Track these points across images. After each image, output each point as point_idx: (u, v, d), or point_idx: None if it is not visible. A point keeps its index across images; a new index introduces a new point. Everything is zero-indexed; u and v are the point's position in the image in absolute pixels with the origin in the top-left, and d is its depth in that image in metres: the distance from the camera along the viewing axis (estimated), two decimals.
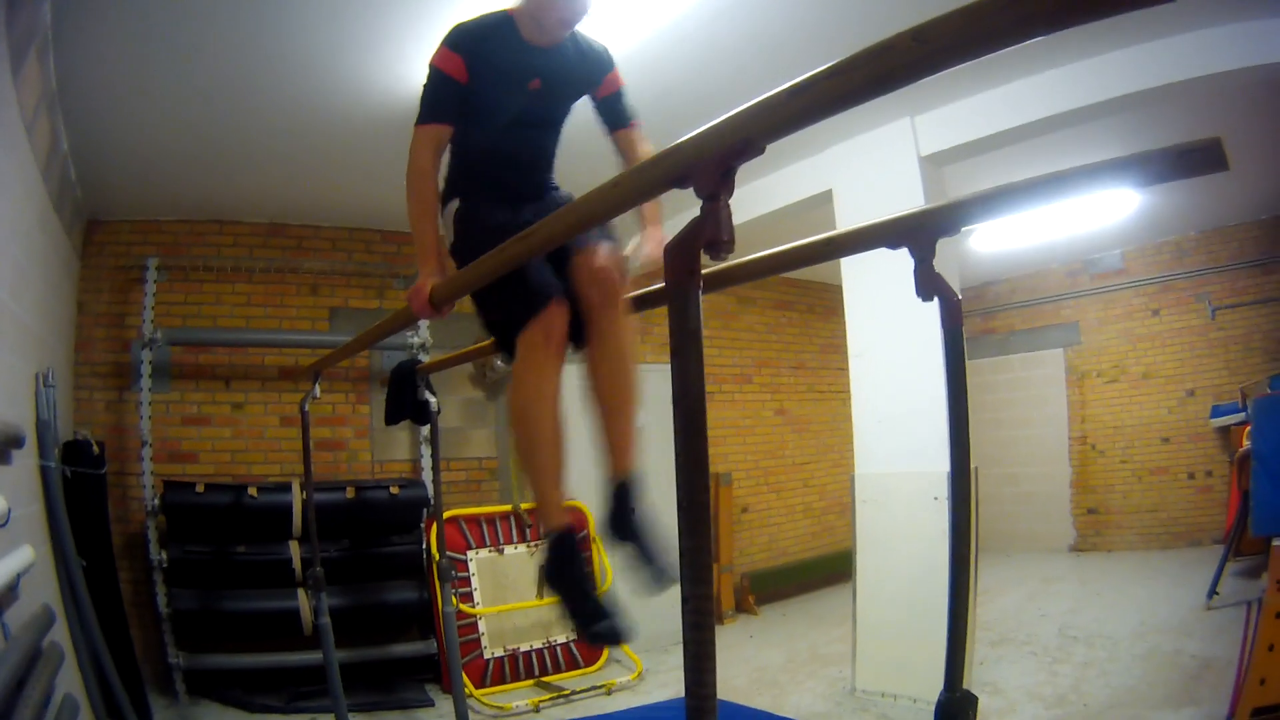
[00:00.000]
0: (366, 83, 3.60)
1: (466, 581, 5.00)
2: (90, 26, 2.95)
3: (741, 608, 6.41)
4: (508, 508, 5.33)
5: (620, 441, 1.99)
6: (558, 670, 5.10)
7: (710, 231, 1.11)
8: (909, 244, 1.57)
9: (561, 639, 5.21)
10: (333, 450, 5.51)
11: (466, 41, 1.98)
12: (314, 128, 4.03)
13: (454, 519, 5.11)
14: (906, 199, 3.86)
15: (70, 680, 3.06)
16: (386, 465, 5.62)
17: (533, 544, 5.22)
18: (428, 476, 5.36)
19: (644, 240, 2.14)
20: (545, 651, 5.13)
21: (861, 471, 4.14)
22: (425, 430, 5.46)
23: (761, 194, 5.03)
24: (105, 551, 4.13)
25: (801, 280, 4.27)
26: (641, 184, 1.35)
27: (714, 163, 1.11)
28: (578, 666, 5.18)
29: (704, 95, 3.60)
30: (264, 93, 3.66)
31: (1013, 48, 0.80)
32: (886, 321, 4.11)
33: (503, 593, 5.07)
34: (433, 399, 3.97)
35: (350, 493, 4.95)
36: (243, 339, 5.30)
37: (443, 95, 2.01)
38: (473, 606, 4.95)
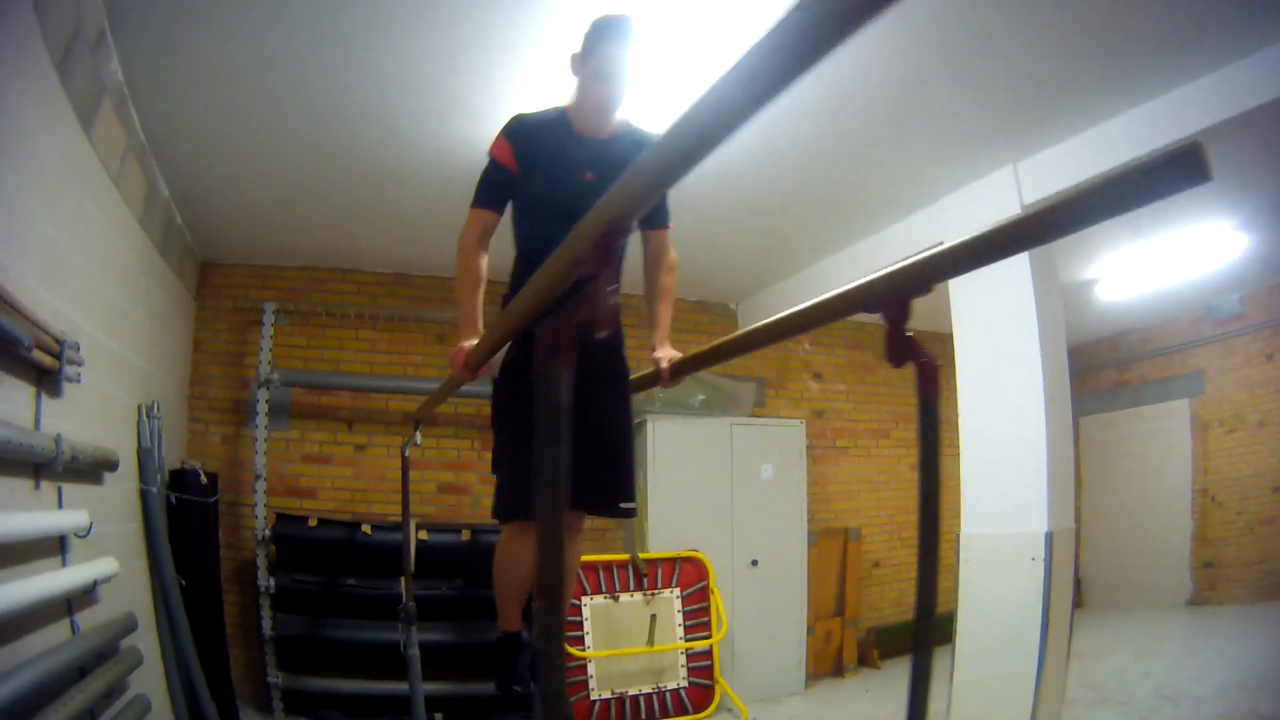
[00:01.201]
0: (484, 141, 4.02)
1: (579, 625, 5.37)
2: (166, 83, 3.54)
3: (864, 661, 6.71)
4: (626, 557, 5.64)
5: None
6: (665, 716, 5.32)
7: (587, 312, 1.27)
8: (881, 309, 1.61)
9: (671, 685, 5.43)
10: (455, 494, 6.08)
11: (519, 132, 2.32)
12: (431, 183, 4.49)
13: None
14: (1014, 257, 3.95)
15: (151, 683, 3.63)
16: None
17: (649, 593, 5.54)
18: None
19: (658, 353, 2.52)
20: (654, 697, 5.41)
21: (967, 531, 4.20)
22: None
23: (874, 250, 5.24)
24: (212, 574, 4.81)
25: (944, 333, 4.47)
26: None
27: (597, 241, 1.27)
28: (686, 713, 5.42)
29: None
30: (370, 147, 4.12)
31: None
32: (992, 377, 4.23)
33: (615, 638, 5.41)
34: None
35: (466, 535, 5.47)
36: (365, 384, 5.97)
37: (492, 182, 2.38)
38: (583, 650, 5.27)
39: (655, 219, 2.55)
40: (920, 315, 1.52)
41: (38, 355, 2.76)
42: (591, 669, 5.30)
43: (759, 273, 6.26)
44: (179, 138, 4.08)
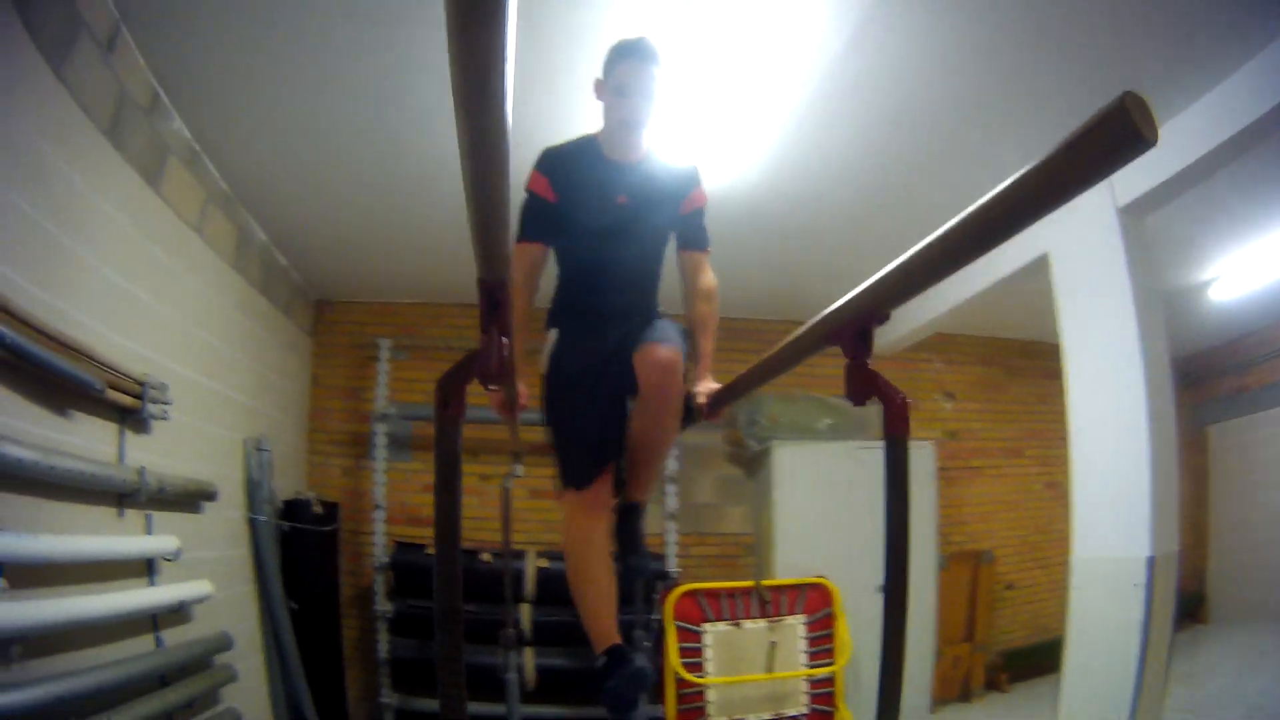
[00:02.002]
0: None
1: (699, 652, 5.55)
2: (240, 137, 4.07)
3: (992, 685, 6.69)
4: (750, 584, 5.79)
5: (637, 482, 2.57)
6: None
7: (480, 365, 1.51)
8: (840, 342, 1.71)
9: (792, 712, 5.51)
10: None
11: (552, 163, 2.54)
12: None
13: (693, 592, 5.72)
14: (1110, 261, 4.03)
15: (253, 699, 4.14)
16: None
17: (773, 620, 5.67)
18: (672, 550, 6.29)
19: (697, 387, 2.60)
20: None
21: (1078, 555, 4.15)
22: (672, 505, 6.34)
23: (985, 267, 5.20)
24: (328, 598, 5.37)
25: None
26: None
27: (484, 290, 1.49)
28: None
29: None
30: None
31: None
32: (1097, 393, 4.20)
33: (736, 664, 5.55)
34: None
35: None
36: (486, 416, 6.43)
37: (534, 214, 2.57)
38: (701, 676, 5.44)
39: (691, 240, 2.69)
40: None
41: (117, 396, 3.29)
42: (710, 695, 5.45)
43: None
44: (266, 186, 4.64)
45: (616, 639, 2.40)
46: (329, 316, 6.52)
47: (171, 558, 3.57)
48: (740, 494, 6.68)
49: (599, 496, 2.44)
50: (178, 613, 3.60)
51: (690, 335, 2.67)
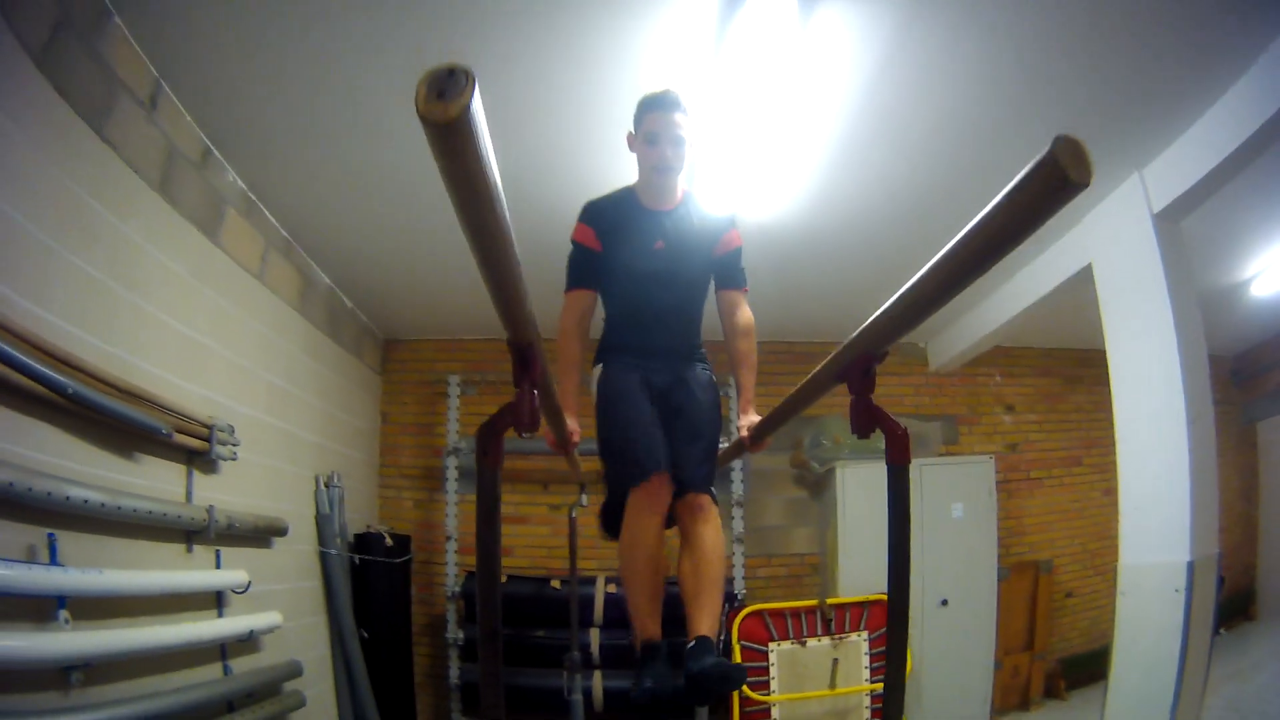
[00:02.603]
0: None
1: (765, 670, 5.64)
2: (297, 186, 4.33)
3: (1051, 693, 6.65)
4: (814, 603, 5.85)
5: (697, 615, 2.54)
6: None
7: (515, 416, 1.68)
8: (846, 379, 1.83)
9: None
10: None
11: (595, 214, 2.73)
12: None
13: (758, 612, 5.81)
14: (1148, 267, 4.03)
15: None
16: None
17: (836, 637, 5.73)
18: (739, 573, 6.41)
19: (740, 420, 2.77)
20: None
21: (1125, 562, 4.12)
22: (739, 529, 6.46)
23: (1036, 275, 5.32)
24: (400, 627, 5.56)
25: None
26: None
27: (515, 350, 1.68)
28: None
29: None
30: (532, 225, 4.20)
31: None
32: (1137, 398, 4.21)
33: (800, 682, 5.64)
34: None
35: None
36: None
37: (581, 264, 2.76)
38: (766, 694, 5.50)
39: (727, 280, 2.82)
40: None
41: (184, 439, 3.53)
42: (775, 713, 5.53)
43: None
44: (327, 232, 4.89)
45: (655, 634, 2.49)
46: (398, 355, 6.77)
47: (240, 590, 3.78)
48: (807, 515, 6.74)
49: (657, 494, 2.49)
50: (246, 642, 3.80)
51: (733, 372, 2.83)
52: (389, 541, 5.57)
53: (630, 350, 2.74)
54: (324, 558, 4.97)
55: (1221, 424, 7.99)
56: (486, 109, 0.91)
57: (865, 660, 5.63)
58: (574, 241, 2.72)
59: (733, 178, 4.08)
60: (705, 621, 2.47)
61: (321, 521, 5.03)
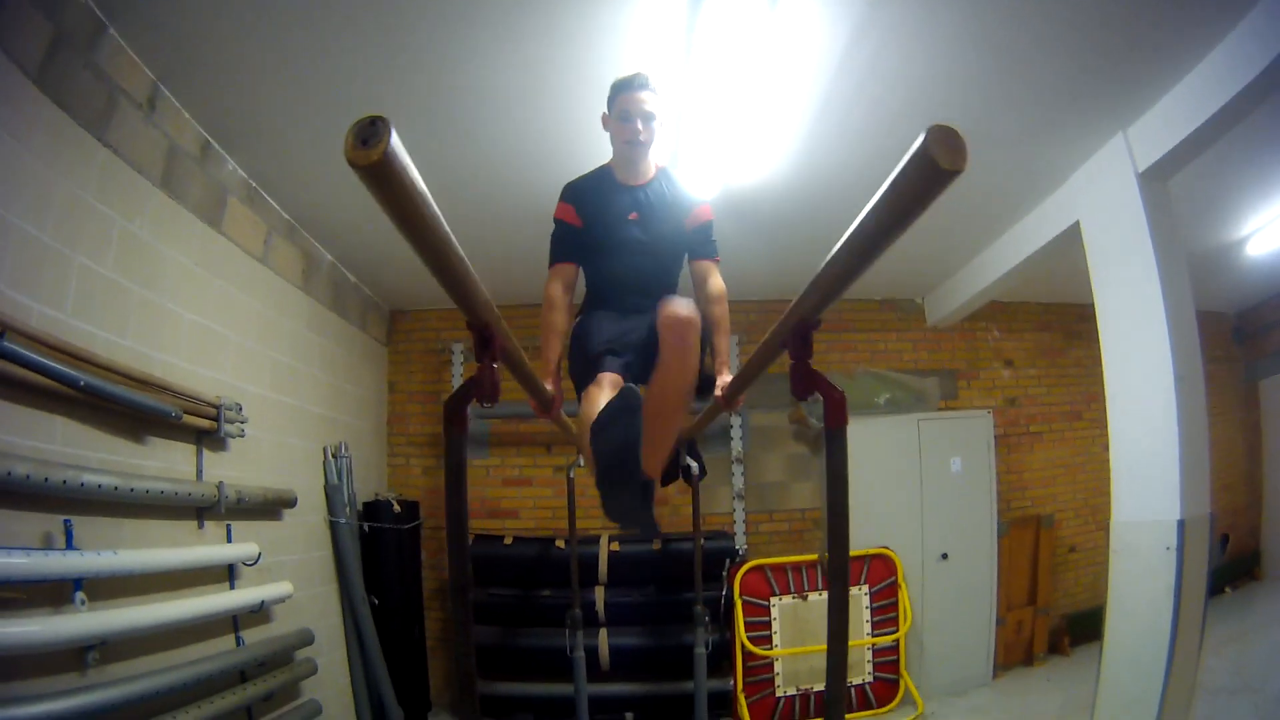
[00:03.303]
0: None
1: (766, 625, 5.88)
2: (297, 173, 4.47)
3: (1055, 649, 6.79)
4: (814, 557, 6.06)
5: (650, 452, 2.54)
6: (850, 711, 5.58)
7: (478, 389, 1.85)
8: (787, 346, 1.92)
9: (857, 681, 5.79)
10: (656, 505, 6.74)
11: (575, 192, 2.94)
12: None
13: (760, 567, 6.03)
14: (1134, 226, 4.08)
15: (335, 690, 4.59)
16: (708, 518, 6.68)
17: None
18: (740, 529, 6.62)
19: (719, 380, 2.84)
20: None
21: (1118, 519, 4.20)
22: (740, 485, 6.67)
23: (1024, 235, 5.40)
24: (410, 593, 5.81)
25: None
26: None
27: (474, 330, 1.84)
28: (870, 708, 5.81)
29: None
30: (541, 191, 4.35)
31: None
32: (1126, 355, 4.28)
33: (802, 636, 5.87)
34: (693, 463, 4.92)
35: (656, 545, 6.09)
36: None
37: (562, 239, 2.97)
38: (769, 649, 5.74)
39: (698, 251, 2.99)
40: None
41: (193, 420, 3.73)
42: (778, 667, 5.78)
43: (934, 267, 6.48)
44: (329, 211, 5.03)
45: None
46: (403, 325, 6.95)
47: (251, 563, 4.02)
48: (808, 470, 6.90)
49: (610, 382, 2.61)
50: (258, 613, 4.04)
51: (705, 337, 2.90)
52: (397, 508, 5.80)
53: (601, 309, 2.94)
54: (333, 527, 5.20)
55: (1223, 382, 8.13)
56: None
57: (866, 614, 5.84)
58: (555, 219, 2.93)
59: (717, 145, 4.18)
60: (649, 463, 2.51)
61: (330, 491, 5.25)
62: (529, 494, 6.77)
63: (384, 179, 1.08)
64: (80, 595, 2.82)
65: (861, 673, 5.80)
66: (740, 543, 6.52)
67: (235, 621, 3.93)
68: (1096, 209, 4.46)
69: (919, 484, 6.25)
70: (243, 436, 4.19)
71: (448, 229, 1.38)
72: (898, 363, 7.00)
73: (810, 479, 6.88)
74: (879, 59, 3.58)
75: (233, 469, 4.11)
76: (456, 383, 6.73)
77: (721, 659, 5.89)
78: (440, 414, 6.68)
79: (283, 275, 4.91)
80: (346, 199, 4.85)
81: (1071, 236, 4.75)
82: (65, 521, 2.85)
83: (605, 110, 2.88)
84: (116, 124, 3.27)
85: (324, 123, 3.97)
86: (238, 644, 3.88)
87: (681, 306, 2.43)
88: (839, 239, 1.44)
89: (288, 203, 4.85)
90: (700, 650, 4.75)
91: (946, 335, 7.14)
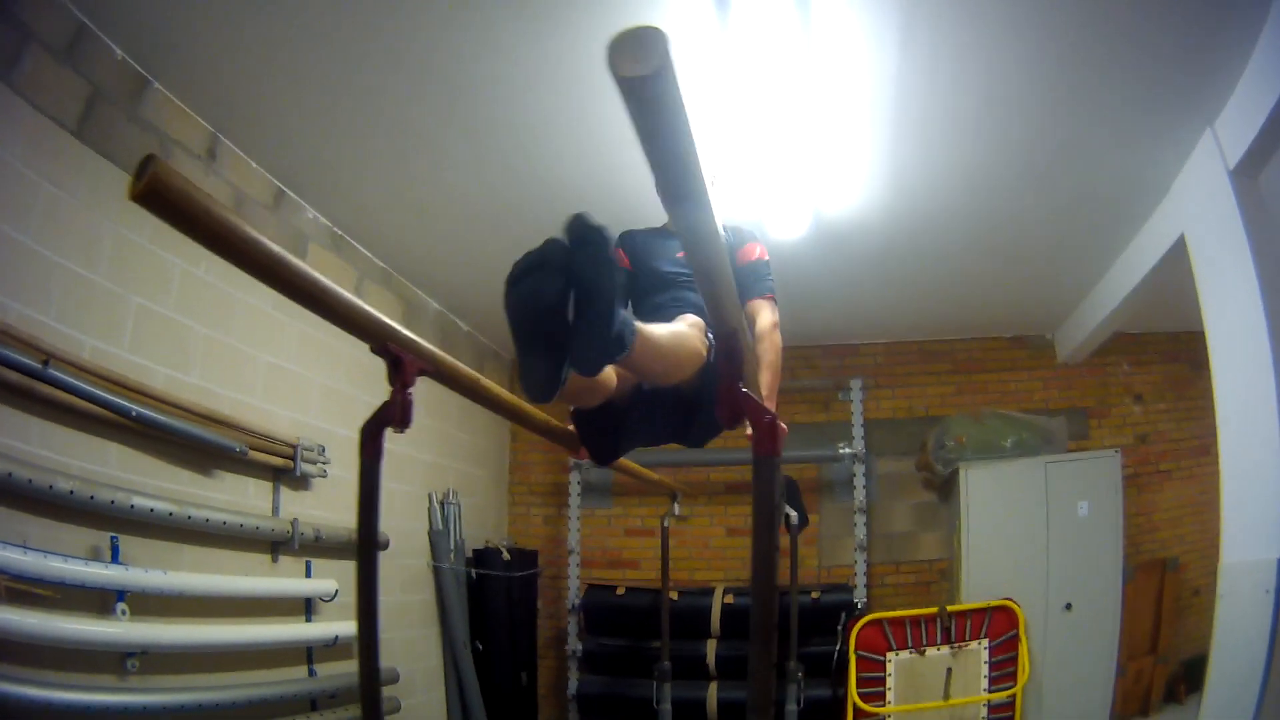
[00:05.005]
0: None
1: (881, 681, 5.65)
2: (386, 218, 4.75)
3: (1171, 697, 6.25)
4: (934, 610, 5.77)
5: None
6: None
7: (390, 414, 2.07)
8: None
9: None
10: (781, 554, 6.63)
11: (625, 237, 3.11)
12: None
13: (877, 621, 5.82)
14: (1231, 232, 3.69)
15: None
16: (833, 570, 6.56)
17: (956, 646, 5.67)
18: (861, 580, 6.45)
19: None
20: None
21: (1227, 560, 3.78)
22: (862, 537, 6.50)
23: (1125, 268, 5.19)
24: (524, 641, 5.90)
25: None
26: None
27: (406, 365, 2.01)
28: None
29: None
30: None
31: None
32: (1240, 379, 3.85)
33: (918, 693, 5.60)
34: (791, 512, 4.87)
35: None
36: (683, 459, 6.77)
37: None
38: (881, 705, 5.49)
39: (749, 289, 3.01)
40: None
41: (263, 457, 3.99)
42: None
43: (1059, 298, 6.20)
44: (427, 258, 5.31)
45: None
46: None
47: (329, 599, 4.20)
48: (935, 520, 6.63)
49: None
50: (332, 647, 4.20)
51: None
52: (506, 556, 5.92)
53: None
54: (437, 571, 5.37)
55: None
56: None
57: (985, 670, 5.52)
58: None
59: (798, 172, 4.17)
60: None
61: (434, 537, 5.44)
62: (651, 544, 6.72)
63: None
64: (122, 606, 3.05)
65: None
66: (860, 595, 6.30)
67: (310, 653, 4.10)
68: (1197, 218, 4.11)
69: (1045, 530, 5.90)
70: (325, 476, 4.42)
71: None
72: (1027, 402, 6.64)
73: (938, 529, 6.59)
74: (940, 67, 3.45)
75: (316, 508, 4.33)
76: None
77: (834, 716, 5.70)
78: (562, 464, 6.86)
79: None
80: (447, 245, 5.10)
81: (1179, 252, 4.38)
82: (112, 538, 3.09)
83: None
84: None
85: (404, 167, 4.20)
86: (310, 674, 4.05)
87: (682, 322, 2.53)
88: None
89: (379, 249, 5.14)
90: (792, 707, 4.59)
91: (1076, 371, 6.72)
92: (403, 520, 5.20)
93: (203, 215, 1.40)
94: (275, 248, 1.59)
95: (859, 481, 6.50)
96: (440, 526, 5.50)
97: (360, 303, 1.91)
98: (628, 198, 4.03)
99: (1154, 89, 3.57)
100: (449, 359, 2.26)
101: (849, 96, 3.58)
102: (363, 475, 1.98)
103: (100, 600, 3.03)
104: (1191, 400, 6.87)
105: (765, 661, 1.69)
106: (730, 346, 1.76)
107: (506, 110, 3.74)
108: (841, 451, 6.47)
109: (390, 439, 5.01)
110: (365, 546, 2.04)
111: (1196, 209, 4.05)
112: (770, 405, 2.88)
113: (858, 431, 6.55)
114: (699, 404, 2.54)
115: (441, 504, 5.60)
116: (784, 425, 2.75)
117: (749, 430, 2.68)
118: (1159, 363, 6.89)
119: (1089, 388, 6.76)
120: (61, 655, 2.84)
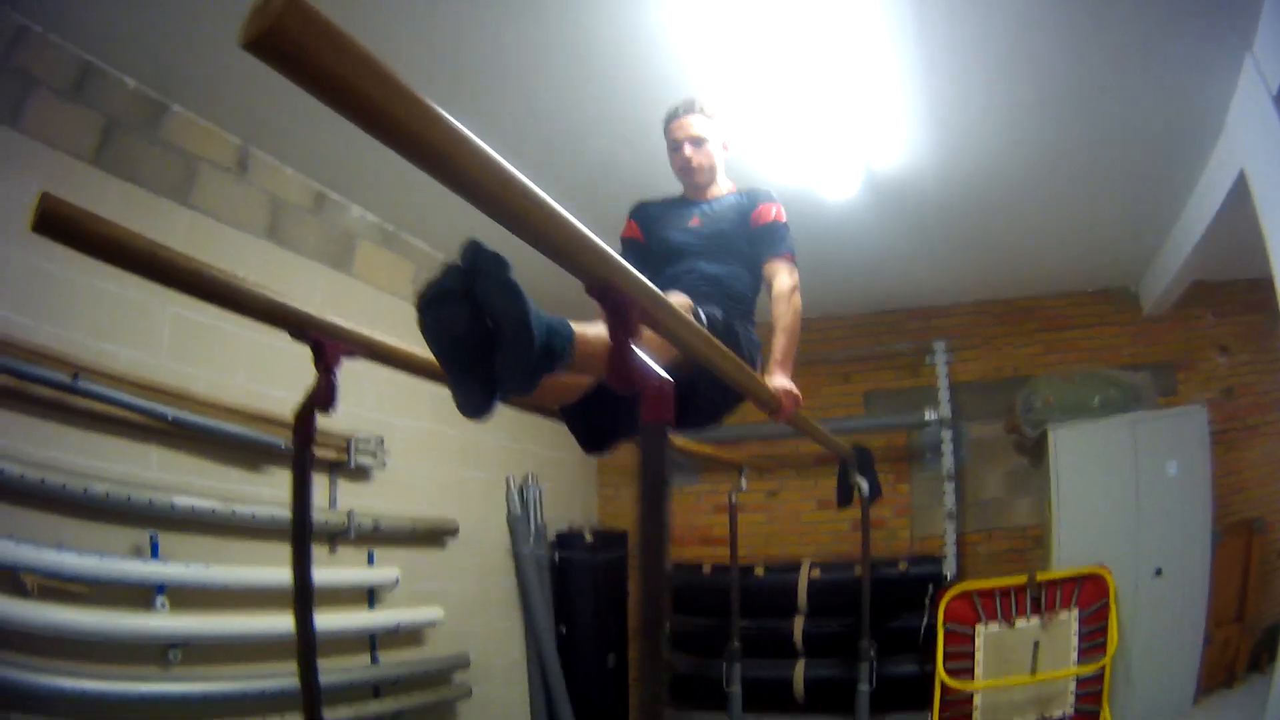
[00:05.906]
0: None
1: (969, 655, 5.47)
2: (432, 211, 4.77)
3: (1255, 666, 5.81)
4: (1023, 580, 5.55)
5: None
6: None
7: (318, 399, 2.09)
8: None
9: (1058, 714, 5.24)
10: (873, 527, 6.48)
11: (638, 208, 3.12)
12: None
13: (966, 593, 5.63)
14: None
15: (500, 713, 4.80)
16: (925, 541, 6.40)
17: (1046, 616, 5.45)
18: (951, 550, 6.24)
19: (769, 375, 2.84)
20: None
21: None
22: (951, 505, 6.29)
23: (1196, 211, 4.83)
24: (613, 624, 5.96)
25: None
26: None
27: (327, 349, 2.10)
28: None
29: None
30: None
31: None
32: None
33: (1006, 667, 5.41)
34: (863, 482, 4.77)
35: (857, 570, 5.81)
36: (770, 432, 6.70)
37: (625, 255, 3.08)
38: (969, 680, 5.34)
39: (766, 249, 2.96)
40: None
41: (320, 453, 4.16)
42: (978, 700, 5.35)
43: (1137, 247, 5.86)
44: (494, 246, 5.41)
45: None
46: None
47: (392, 587, 4.36)
48: (1028, 484, 6.37)
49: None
50: (397, 634, 4.37)
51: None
52: (588, 538, 5.98)
53: None
54: (517, 556, 5.48)
55: None
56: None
57: (1074, 641, 5.31)
58: (621, 238, 3.04)
59: (842, 125, 4.05)
60: None
61: (513, 522, 5.54)
62: (741, 520, 6.64)
63: None
64: (162, 599, 3.25)
65: (1064, 704, 5.23)
66: (950, 566, 6.08)
67: (373, 640, 4.26)
68: (1254, 151, 3.80)
69: (1135, 492, 5.59)
70: (384, 468, 4.56)
71: None
72: (1114, 359, 6.27)
73: (1031, 494, 6.32)
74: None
75: (375, 499, 4.49)
76: None
77: (920, 695, 5.53)
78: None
79: None
80: (501, 235, 5.13)
81: (1243, 190, 4.03)
82: (151, 535, 3.30)
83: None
84: (200, 188, 3.78)
85: None
86: (373, 661, 4.21)
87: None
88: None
89: (437, 241, 5.23)
90: (863, 688, 4.60)
91: (1162, 324, 6.29)
92: (479, 507, 5.32)
93: (95, 234, 1.51)
94: (175, 253, 1.66)
95: (947, 448, 6.28)
96: (519, 511, 5.60)
97: (272, 293, 1.95)
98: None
99: (1185, 15, 3.32)
100: (382, 339, 2.26)
101: (877, 44, 3.45)
102: (295, 464, 2.04)
103: (143, 595, 3.24)
104: (1273, 351, 6.44)
105: (655, 653, 1.55)
106: (613, 302, 1.64)
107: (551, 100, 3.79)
108: (928, 417, 6.25)
109: (462, 426, 5.20)
110: (299, 530, 2.08)
111: (1252, 142, 3.75)
112: (785, 370, 2.83)
113: (944, 395, 6.32)
114: (691, 386, 2.47)
115: (520, 489, 5.69)
116: (798, 393, 2.80)
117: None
118: (1240, 313, 6.45)
119: (1175, 341, 6.41)
120: (106, 649, 3.06)
